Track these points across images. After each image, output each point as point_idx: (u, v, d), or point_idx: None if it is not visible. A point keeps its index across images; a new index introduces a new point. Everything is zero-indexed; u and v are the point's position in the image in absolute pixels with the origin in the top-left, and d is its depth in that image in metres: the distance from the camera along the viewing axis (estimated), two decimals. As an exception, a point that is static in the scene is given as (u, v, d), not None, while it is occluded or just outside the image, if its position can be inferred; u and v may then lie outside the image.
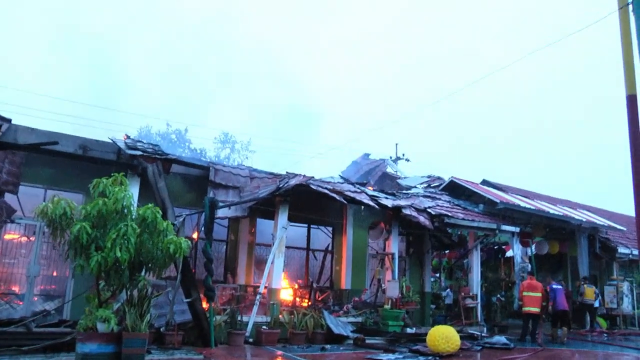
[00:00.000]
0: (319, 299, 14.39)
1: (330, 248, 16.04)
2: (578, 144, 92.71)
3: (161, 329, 9.90)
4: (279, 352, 10.09)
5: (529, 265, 16.88)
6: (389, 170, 25.71)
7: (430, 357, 10.11)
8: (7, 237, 11.70)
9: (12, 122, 11.27)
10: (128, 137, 13.03)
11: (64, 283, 11.88)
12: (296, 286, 15.05)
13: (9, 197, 11.07)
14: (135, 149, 11.67)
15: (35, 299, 11.48)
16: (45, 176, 11.68)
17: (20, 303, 11.27)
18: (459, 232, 17.83)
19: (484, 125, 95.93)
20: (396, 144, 30.78)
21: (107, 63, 62.89)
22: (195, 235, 13.01)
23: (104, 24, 67.54)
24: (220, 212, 11.64)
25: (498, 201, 16.95)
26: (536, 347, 12.44)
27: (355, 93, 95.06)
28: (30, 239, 11.74)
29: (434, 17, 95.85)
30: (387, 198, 15.26)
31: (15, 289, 11.72)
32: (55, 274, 12.20)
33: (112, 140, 12.13)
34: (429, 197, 17.54)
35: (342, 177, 17.78)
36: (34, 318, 9.73)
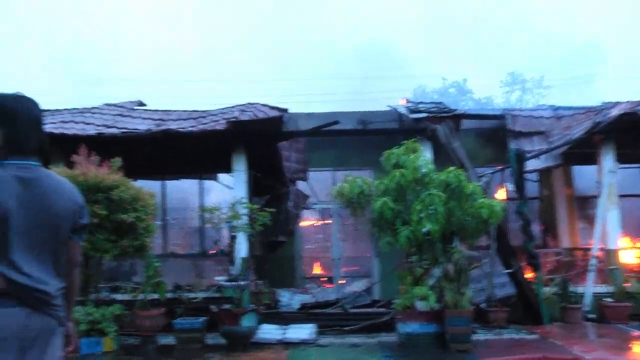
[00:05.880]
0: (677, 260, 12.42)
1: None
2: None
3: (481, 306, 9.70)
4: (637, 333, 8.80)
5: None
6: None
7: None
8: (302, 224, 12.97)
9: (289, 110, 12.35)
10: (408, 101, 13.22)
11: (367, 263, 12.67)
12: (640, 245, 13.30)
13: (299, 184, 12.23)
14: (419, 111, 11.73)
15: (344, 281, 12.50)
16: (329, 158, 12.55)
17: (331, 286, 12.40)
18: None
19: None
20: None
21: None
22: (500, 196, 12.52)
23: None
24: (528, 165, 10.90)
25: None
26: None
27: None
28: (327, 222, 12.80)
29: None
30: None
31: (323, 272, 12.97)
32: (356, 254, 13.12)
33: (391, 108, 12.44)
34: None
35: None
36: (346, 299, 10.56)
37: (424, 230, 7.30)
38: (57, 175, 2.43)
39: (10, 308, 2.10)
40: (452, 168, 7.91)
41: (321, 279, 13.16)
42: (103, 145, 8.58)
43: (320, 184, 12.46)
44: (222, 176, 12.66)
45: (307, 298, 10.76)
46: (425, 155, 8.92)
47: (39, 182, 2.26)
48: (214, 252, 11.80)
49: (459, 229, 7.82)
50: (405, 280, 8.07)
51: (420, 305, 7.64)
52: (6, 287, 2.09)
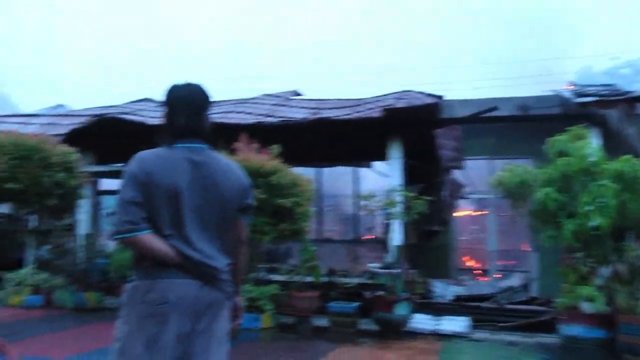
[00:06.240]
0: None
1: None
2: None
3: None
4: None
5: None
6: None
7: None
8: (457, 214, 12.63)
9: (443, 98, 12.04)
10: (574, 84, 12.33)
11: (524, 257, 12.10)
12: None
13: (455, 173, 11.90)
14: (586, 95, 10.87)
15: (499, 274, 12.03)
16: (487, 146, 12.10)
17: (485, 279, 12.00)
18: None
19: None
20: None
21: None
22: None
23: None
24: None
25: None
26: None
27: None
28: (483, 212, 12.37)
29: None
30: None
31: (477, 264, 12.58)
32: (513, 247, 12.56)
33: (554, 92, 11.70)
34: None
35: None
36: (502, 294, 10.14)
37: (591, 224, 6.74)
38: (224, 157, 2.57)
39: (186, 279, 2.27)
40: (625, 157, 7.23)
41: (475, 272, 12.79)
42: (262, 134, 8.94)
43: (477, 172, 12.10)
44: (376, 164, 12.72)
45: (460, 290, 10.50)
46: (593, 142, 8.25)
47: (208, 163, 2.39)
48: (367, 238, 11.95)
49: (634, 224, 7.11)
50: (569, 278, 7.51)
51: (586, 307, 7.08)
52: (181, 261, 2.25)
